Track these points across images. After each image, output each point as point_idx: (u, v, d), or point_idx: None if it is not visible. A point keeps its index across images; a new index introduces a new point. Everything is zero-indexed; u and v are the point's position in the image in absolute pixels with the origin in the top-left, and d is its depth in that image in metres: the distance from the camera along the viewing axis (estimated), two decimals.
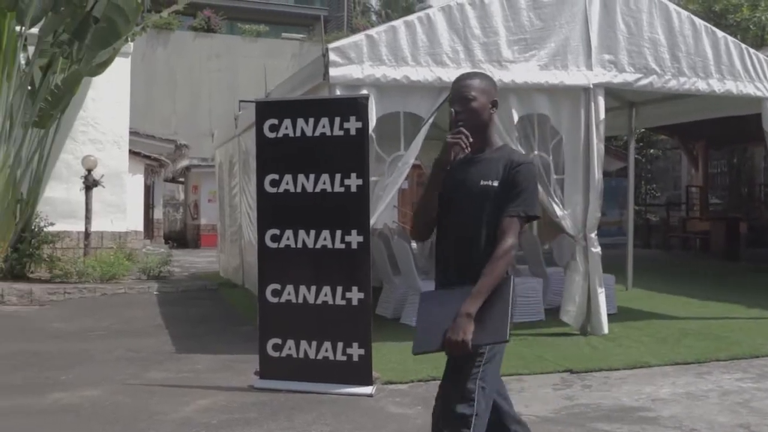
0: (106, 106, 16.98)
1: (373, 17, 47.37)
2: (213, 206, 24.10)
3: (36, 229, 15.18)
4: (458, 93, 3.75)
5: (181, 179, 32.19)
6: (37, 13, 14.92)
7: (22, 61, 15.06)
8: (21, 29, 14.78)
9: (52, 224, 15.39)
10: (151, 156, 23.72)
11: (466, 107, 3.72)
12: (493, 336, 3.47)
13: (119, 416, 6.34)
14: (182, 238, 30.12)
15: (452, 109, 3.75)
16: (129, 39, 15.95)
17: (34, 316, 11.73)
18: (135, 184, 21.16)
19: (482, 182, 3.65)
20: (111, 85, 16.79)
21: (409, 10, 43.01)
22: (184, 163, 29.64)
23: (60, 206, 16.18)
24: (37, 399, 6.86)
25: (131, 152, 18.64)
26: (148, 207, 27.21)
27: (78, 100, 16.31)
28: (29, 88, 15.03)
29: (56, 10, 14.98)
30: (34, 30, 15.02)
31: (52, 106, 14.95)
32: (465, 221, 3.66)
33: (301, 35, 39.12)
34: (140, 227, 21.41)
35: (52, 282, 14.48)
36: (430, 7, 10.00)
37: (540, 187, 9.23)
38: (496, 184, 3.61)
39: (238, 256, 14.74)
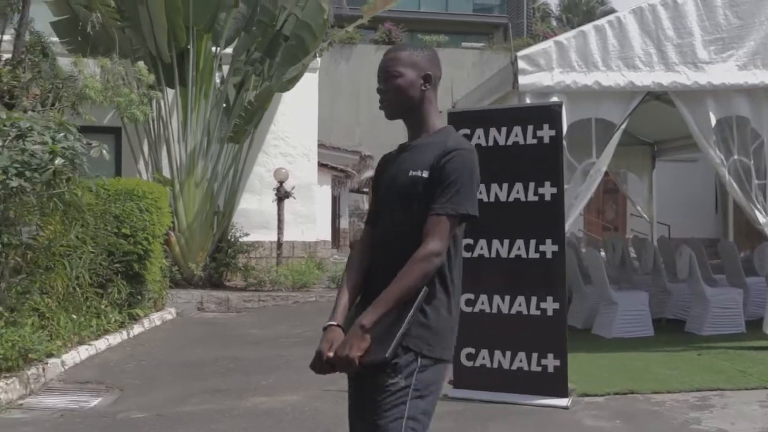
0: (296, 120, 17.55)
1: (554, 22, 46.75)
2: None
3: (232, 239, 15.86)
4: (381, 68, 3.16)
5: (366, 189, 32.79)
6: (231, 34, 15.65)
7: (218, 80, 15.81)
8: (216, 50, 15.53)
9: (246, 234, 16.04)
10: (338, 167, 24.31)
11: (389, 85, 3.12)
12: (375, 353, 2.85)
13: (318, 421, 6.50)
14: None
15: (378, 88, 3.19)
16: (317, 54, 16.44)
17: (232, 323, 12.23)
18: (323, 194, 21.74)
19: (411, 173, 3.02)
20: (300, 99, 17.35)
21: (590, 14, 42.21)
22: (369, 173, 30.20)
23: (254, 217, 16.85)
24: (240, 402, 7.14)
25: (319, 164, 19.16)
26: (335, 217, 27.87)
27: (269, 115, 16.95)
28: (224, 105, 15.77)
29: (248, 31, 15.64)
30: (229, 50, 15.76)
31: (245, 121, 15.60)
32: (391, 220, 3.08)
33: (481, 44, 39.09)
34: (328, 237, 21.97)
35: (247, 290, 15.09)
36: (612, 10, 9.74)
37: (740, 192, 8.89)
38: (425, 174, 2.98)
39: None
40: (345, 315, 3.05)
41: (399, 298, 2.87)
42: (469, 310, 7.08)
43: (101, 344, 9.43)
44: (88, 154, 7.37)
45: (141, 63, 12.26)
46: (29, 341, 7.55)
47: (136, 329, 10.61)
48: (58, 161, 6.89)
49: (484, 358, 7.04)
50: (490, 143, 7.02)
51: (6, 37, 11.14)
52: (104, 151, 7.52)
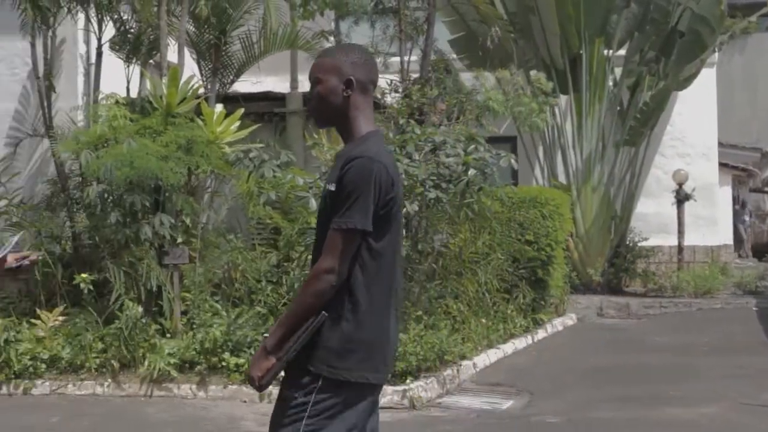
0: (694, 119, 16.83)
1: None
2: None
3: (630, 244, 15.58)
4: (309, 74, 3.07)
5: (767, 189, 30.68)
6: (623, 35, 15.42)
7: (611, 83, 15.63)
8: (609, 53, 15.36)
9: (645, 239, 15.64)
10: (738, 166, 22.95)
11: (312, 92, 3.02)
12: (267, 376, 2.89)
13: None
14: None
15: None
16: (716, 49, 15.68)
17: (633, 329, 12.00)
18: (723, 196, 20.64)
19: (326, 186, 2.93)
20: (697, 97, 16.59)
21: None
22: None
23: (652, 221, 16.38)
24: (651, 412, 6.99)
25: (718, 163, 18.24)
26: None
27: (665, 115, 16.38)
28: (618, 108, 15.57)
29: (641, 30, 15.32)
30: (621, 52, 15.52)
31: (641, 123, 15.27)
32: (316, 236, 3.01)
33: None
34: (730, 240, 20.82)
35: (647, 296, 14.76)
36: None
37: None
38: (332, 188, 2.86)
39: None
40: None
41: (294, 318, 2.83)
42: None
43: (508, 348, 9.69)
44: (497, 163, 7.63)
45: (537, 72, 12.49)
46: (445, 344, 7.96)
47: (540, 334, 10.77)
48: (471, 172, 7.22)
49: None
50: None
51: (413, 58, 11.91)
52: (513, 161, 7.75)
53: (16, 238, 3.86)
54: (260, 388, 2.93)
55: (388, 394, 7.31)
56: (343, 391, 2.87)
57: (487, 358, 9.07)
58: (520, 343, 10.06)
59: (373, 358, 2.92)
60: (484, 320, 9.52)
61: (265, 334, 3.13)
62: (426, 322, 8.11)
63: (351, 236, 2.82)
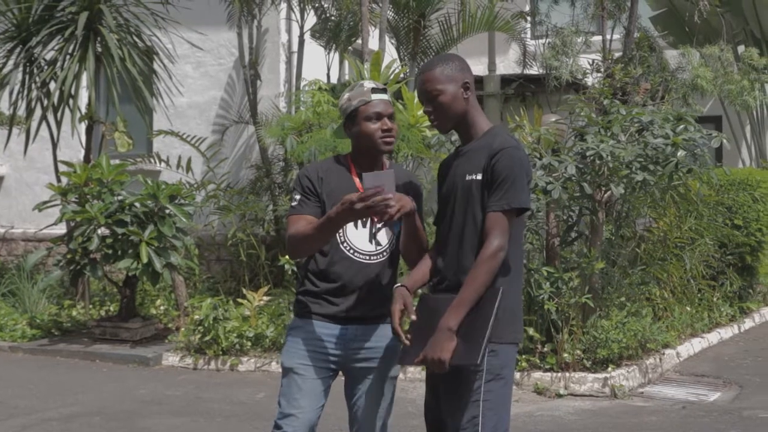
0: None
1: None
2: None
3: None
4: (421, 89, 3.35)
5: None
6: None
7: None
8: None
9: None
10: None
11: (434, 104, 3.31)
12: (465, 357, 3.08)
13: None
14: None
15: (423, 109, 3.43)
16: None
17: None
18: None
19: (467, 177, 3.25)
20: None
21: None
22: None
23: None
24: None
25: None
26: None
27: None
28: None
29: None
30: None
31: None
32: (454, 222, 3.29)
33: None
34: None
35: None
36: None
37: None
38: (479, 177, 3.21)
39: None
40: (414, 284, 3.37)
41: (476, 297, 3.08)
42: None
43: (713, 337, 9.28)
44: (709, 144, 7.28)
45: (751, 48, 11.79)
46: (648, 331, 7.71)
47: (747, 324, 10.21)
48: (680, 153, 6.91)
49: None
50: None
51: (615, 36, 11.56)
52: (724, 141, 7.37)
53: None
54: (446, 368, 3.12)
55: (589, 382, 7.17)
56: (504, 354, 3.21)
57: (690, 347, 8.71)
58: (725, 332, 9.60)
59: (519, 321, 3.32)
60: (688, 308, 9.15)
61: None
62: (628, 308, 7.86)
63: (513, 215, 3.17)
